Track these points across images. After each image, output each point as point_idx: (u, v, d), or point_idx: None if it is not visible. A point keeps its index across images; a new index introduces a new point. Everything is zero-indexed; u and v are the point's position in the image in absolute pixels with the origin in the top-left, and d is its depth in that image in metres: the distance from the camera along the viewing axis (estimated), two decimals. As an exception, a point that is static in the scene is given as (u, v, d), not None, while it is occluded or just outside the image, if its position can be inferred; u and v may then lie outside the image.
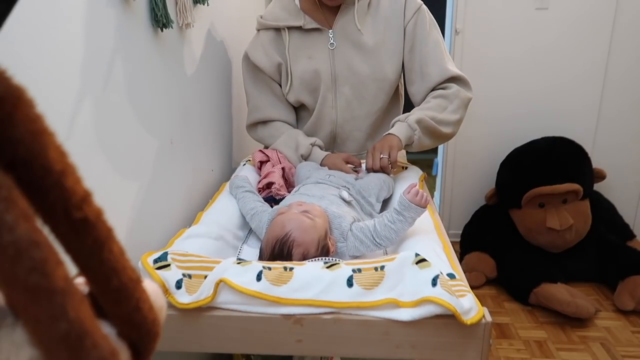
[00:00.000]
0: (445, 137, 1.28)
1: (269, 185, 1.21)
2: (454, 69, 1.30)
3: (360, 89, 1.33)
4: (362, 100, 1.34)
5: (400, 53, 1.32)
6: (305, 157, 1.33)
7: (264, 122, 1.42)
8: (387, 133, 1.23)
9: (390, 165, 1.19)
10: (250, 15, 1.81)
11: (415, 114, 1.24)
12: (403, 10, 1.29)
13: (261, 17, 1.34)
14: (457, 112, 1.27)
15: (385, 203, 1.17)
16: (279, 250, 0.84)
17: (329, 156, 1.31)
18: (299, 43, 1.32)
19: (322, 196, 1.00)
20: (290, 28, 1.31)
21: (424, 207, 0.87)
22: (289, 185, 1.27)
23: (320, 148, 1.36)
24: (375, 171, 1.20)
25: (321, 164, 1.30)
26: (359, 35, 1.29)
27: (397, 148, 1.20)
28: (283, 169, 1.28)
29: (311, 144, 1.33)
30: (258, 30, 1.36)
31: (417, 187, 0.88)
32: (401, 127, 1.23)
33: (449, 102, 1.27)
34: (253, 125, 1.44)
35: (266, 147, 1.44)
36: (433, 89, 1.30)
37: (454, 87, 1.28)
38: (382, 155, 1.18)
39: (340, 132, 1.39)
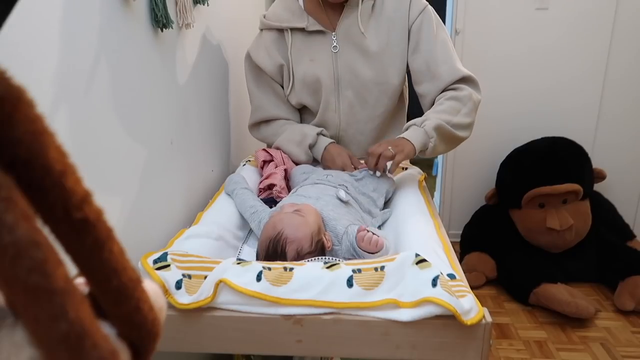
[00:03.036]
0: (459, 141, 1.25)
1: (270, 186, 1.21)
2: (464, 69, 1.27)
3: (363, 93, 1.32)
4: (364, 104, 1.33)
5: (404, 56, 1.30)
6: (312, 147, 1.31)
7: (267, 121, 1.41)
8: (400, 136, 1.17)
9: (388, 168, 1.14)
10: (250, 15, 1.82)
11: (431, 119, 1.17)
12: (408, 11, 1.27)
13: (264, 17, 1.33)
14: (470, 116, 1.24)
15: (386, 203, 1.17)
16: (273, 249, 0.85)
17: (332, 145, 1.29)
18: (301, 45, 1.31)
19: (318, 197, 1.01)
20: (293, 29, 1.30)
21: (376, 252, 0.83)
22: (291, 187, 1.26)
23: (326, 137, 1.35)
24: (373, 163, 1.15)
25: (324, 153, 1.29)
26: (363, 38, 1.28)
27: (407, 155, 1.14)
28: (285, 170, 1.27)
29: (317, 134, 1.32)
30: (261, 30, 1.35)
31: (367, 233, 0.84)
32: (417, 133, 1.17)
33: (462, 104, 1.23)
34: (256, 125, 1.43)
35: (269, 146, 1.44)
36: (444, 89, 1.28)
37: (466, 90, 1.25)
38: (389, 148, 1.11)
39: (344, 135, 1.38)
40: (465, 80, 1.27)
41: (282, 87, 1.37)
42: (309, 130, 1.33)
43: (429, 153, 1.19)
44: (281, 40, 1.32)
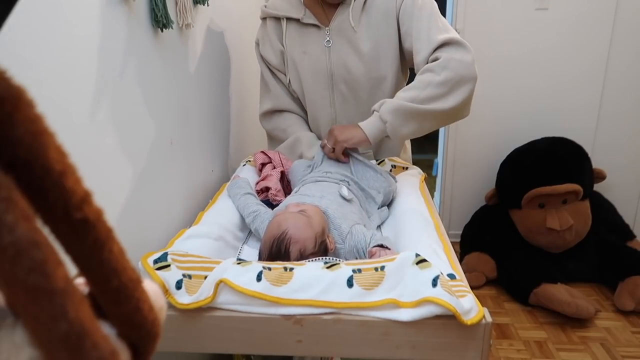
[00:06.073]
0: (442, 115, 1.14)
1: (266, 189, 1.20)
2: (441, 36, 1.16)
3: (356, 88, 1.33)
4: (358, 99, 1.34)
5: (396, 47, 1.29)
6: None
7: (280, 112, 1.42)
8: (358, 124, 1.18)
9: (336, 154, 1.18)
10: (250, 16, 1.82)
11: (389, 101, 1.15)
12: (395, 0, 1.26)
13: (265, 6, 1.36)
14: (445, 85, 1.11)
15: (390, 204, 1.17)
16: (277, 248, 0.85)
17: None
18: (295, 36, 1.33)
19: (322, 196, 1.00)
20: (289, 19, 1.32)
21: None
22: (288, 188, 1.26)
23: None
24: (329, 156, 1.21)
25: None
26: (354, 34, 1.29)
27: (346, 142, 1.16)
28: (282, 172, 1.27)
29: (313, 157, 1.30)
30: (263, 19, 1.38)
31: (377, 253, 0.83)
32: (372, 119, 1.17)
33: (435, 74, 1.13)
34: (269, 113, 1.43)
35: (272, 140, 1.44)
36: (426, 63, 1.19)
37: (442, 56, 1.13)
38: (327, 144, 1.18)
39: None
40: (444, 45, 1.16)
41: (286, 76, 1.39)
42: (307, 152, 1.34)
43: (396, 137, 1.16)
44: (279, 29, 1.35)
